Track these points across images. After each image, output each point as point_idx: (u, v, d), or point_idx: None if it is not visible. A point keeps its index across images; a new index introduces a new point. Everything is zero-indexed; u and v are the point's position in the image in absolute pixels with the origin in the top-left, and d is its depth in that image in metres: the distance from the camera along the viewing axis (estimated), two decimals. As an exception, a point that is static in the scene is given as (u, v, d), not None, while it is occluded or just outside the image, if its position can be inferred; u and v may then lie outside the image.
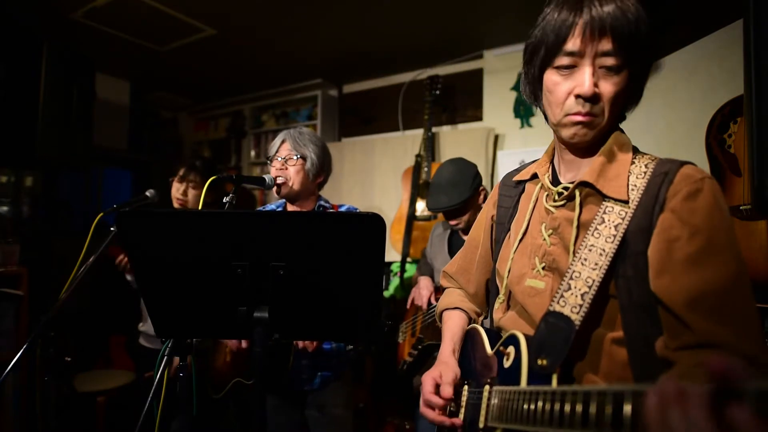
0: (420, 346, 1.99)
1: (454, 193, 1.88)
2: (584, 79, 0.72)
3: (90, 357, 3.22)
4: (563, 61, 0.74)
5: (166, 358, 1.07)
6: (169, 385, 1.13)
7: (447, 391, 0.86)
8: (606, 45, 0.71)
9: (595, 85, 0.72)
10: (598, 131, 0.77)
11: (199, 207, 2.03)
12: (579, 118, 0.75)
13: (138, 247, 0.86)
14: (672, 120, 2.15)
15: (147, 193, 1.93)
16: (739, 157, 1.53)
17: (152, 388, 1.06)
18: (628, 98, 0.78)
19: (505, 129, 3.24)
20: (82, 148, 2.74)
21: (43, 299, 2.59)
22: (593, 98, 0.73)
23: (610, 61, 0.72)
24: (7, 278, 2.41)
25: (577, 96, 0.74)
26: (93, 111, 2.83)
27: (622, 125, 0.85)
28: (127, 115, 4.15)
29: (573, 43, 0.73)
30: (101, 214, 1.65)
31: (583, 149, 0.82)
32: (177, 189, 2.04)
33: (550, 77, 0.77)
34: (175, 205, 2.03)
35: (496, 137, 3.24)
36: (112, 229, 1.50)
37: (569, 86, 0.75)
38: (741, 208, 1.47)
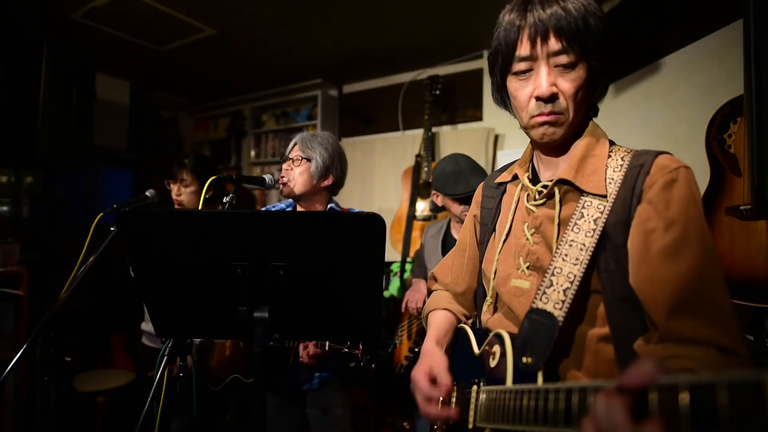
0: (417, 349, 1.99)
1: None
2: (541, 81, 0.74)
3: (90, 357, 3.22)
4: (519, 66, 0.76)
5: (166, 358, 1.07)
6: (169, 385, 1.13)
7: (445, 378, 0.83)
8: (555, 45, 0.73)
9: (554, 84, 0.74)
10: (567, 128, 0.77)
11: (199, 206, 2.05)
12: (543, 119, 0.76)
13: (138, 247, 0.86)
14: (672, 120, 2.15)
15: (147, 193, 1.94)
16: (739, 157, 1.53)
17: (152, 388, 1.06)
18: (592, 91, 0.78)
19: (505, 129, 3.24)
20: (82, 148, 2.73)
21: (43, 299, 2.59)
22: (552, 98, 0.74)
23: (563, 59, 0.73)
24: (7, 278, 2.41)
25: (537, 98, 0.75)
26: (93, 111, 2.83)
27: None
28: (127, 115, 4.15)
29: (523, 49, 0.75)
30: (101, 214, 1.65)
31: (557, 148, 0.83)
32: (173, 190, 2.03)
33: (512, 83, 0.79)
34: (175, 205, 2.03)
35: (496, 137, 3.24)
36: (112, 229, 1.51)
37: (529, 90, 0.76)
38: (741, 208, 1.47)
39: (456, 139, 3.34)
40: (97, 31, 3.02)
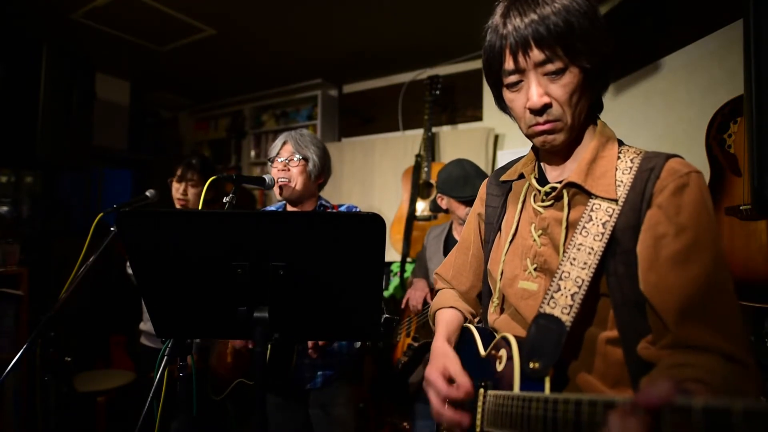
0: (415, 344, 2.01)
1: None
2: (531, 93, 0.73)
3: (90, 357, 3.22)
4: (509, 79, 0.76)
5: (166, 358, 1.07)
6: (169, 385, 1.13)
7: (465, 381, 0.79)
8: (538, 56, 0.71)
9: (547, 93, 0.73)
10: (567, 132, 0.76)
11: (199, 206, 2.05)
12: (540, 128, 0.76)
13: (138, 247, 0.86)
14: (672, 120, 2.15)
15: (147, 193, 1.94)
16: (739, 157, 1.52)
17: (152, 388, 1.06)
18: (589, 90, 0.76)
19: (505, 129, 3.24)
20: (82, 148, 2.74)
21: (43, 299, 2.60)
22: (545, 108, 0.73)
23: (550, 67, 0.72)
24: (7, 278, 2.41)
25: (530, 110, 0.74)
26: (93, 111, 2.83)
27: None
28: (127, 115, 4.15)
29: (508, 64, 0.75)
30: (101, 214, 1.65)
31: (561, 152, 0.82)
32: (177, 189, 2.04)
33: (506, 95, 0.79)
34: (177, 205, 2.03)
35: (496, 137, 3.24)
36: (112, 229, 1.50)
37: (523, 101, 0.76)
38: (741, 208, 1.46)
39: (456, 139, 3.34)
40: (97, 31, 3.02)
